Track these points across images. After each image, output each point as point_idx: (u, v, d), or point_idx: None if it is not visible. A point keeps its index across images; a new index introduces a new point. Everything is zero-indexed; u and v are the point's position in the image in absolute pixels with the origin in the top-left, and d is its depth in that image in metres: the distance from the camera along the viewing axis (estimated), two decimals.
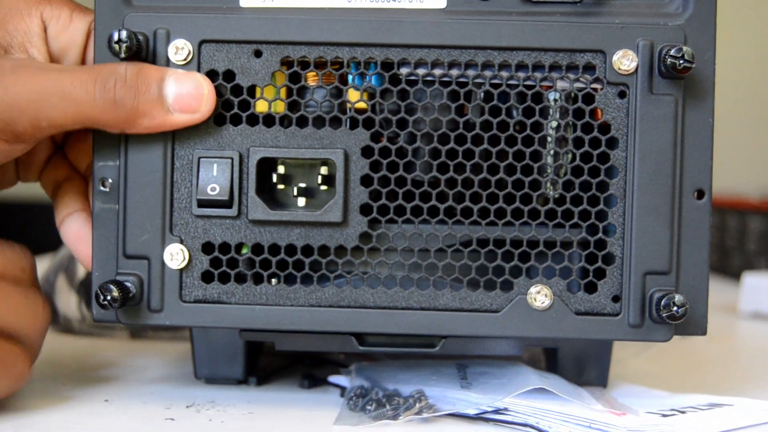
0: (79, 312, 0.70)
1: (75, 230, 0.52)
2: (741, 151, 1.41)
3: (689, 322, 0.48)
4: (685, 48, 0.46)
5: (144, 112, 0.46)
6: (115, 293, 0.46)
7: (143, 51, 0.47)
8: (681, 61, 0.46)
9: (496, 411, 0.49)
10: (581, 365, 0.54)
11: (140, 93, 0.46)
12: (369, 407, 0.49)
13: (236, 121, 0.48)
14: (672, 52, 0.46)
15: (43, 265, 0.76)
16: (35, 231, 0.62)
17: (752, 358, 0.73)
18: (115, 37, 0.46)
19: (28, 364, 0.48)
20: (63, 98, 0.46)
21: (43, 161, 0.54)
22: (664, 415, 0.49)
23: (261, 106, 0.48)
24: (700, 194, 0.48)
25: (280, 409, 0.50)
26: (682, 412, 0.50)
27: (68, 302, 0.71)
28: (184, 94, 0.47)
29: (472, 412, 0.49)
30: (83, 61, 0.52)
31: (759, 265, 1.09)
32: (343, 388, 0.54)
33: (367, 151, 0.48)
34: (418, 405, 0.48)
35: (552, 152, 0.49)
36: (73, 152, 0.54)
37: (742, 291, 0.91)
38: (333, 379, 0.55)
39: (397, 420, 0.47)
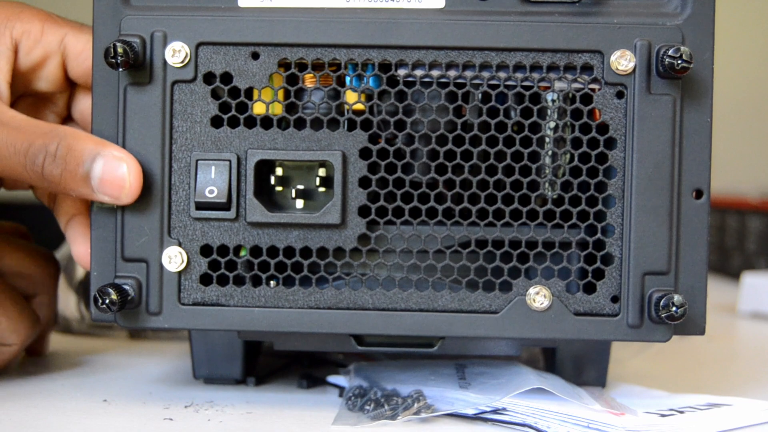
0: (78, 312, 0.70)
1: (71, 233, 0.52)
2: (740, 151, 1.41)
3: (688, 322, 0.48)
4: (683, 48, 0.46)
5: (71, 188, 0.47)
6: (114, 296, 0.46)
7: (140, 57, 0.47)
8: (679, 61, 0.46)
9: (495, 411, 0.49)
10: (580, 365, 0.54)
11: (67, 171, 0.47)
12: (367, 407, 0.49)
13: (234, 123, 0.48)
14: (670, 53, 0.46)
15: None
16: (35, 231, 0.62)
17: (751, 358, 0.73)
18: (111, 51, 0.46)
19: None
20: None
21: None
22: (663, 415, 0.49)
23: (258, 108, 0.48)
24: (699, 194, 0.48)
25: (279, 409, 0.50)
26: (681, 412, 0.49)
27: (67, 302, 0.71)
28: (107, 180, 0.47)
29: (470, 412, 0.49)
30: (63, 73, 0.52)
31: (758, 265, 1.09)
32: (341, 388, 0.54)
33: (365, 153, 0.48)
34: (416, 405, 0.48)
35: (550, 153, 0.48)
36: None
37: (742, 291, 0.90)
38: (331, 379, 0.55)
39: (396, 420, 0.47)
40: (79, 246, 0.52)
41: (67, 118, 0.55)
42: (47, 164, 0.47)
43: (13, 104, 0.54)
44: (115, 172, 0.46)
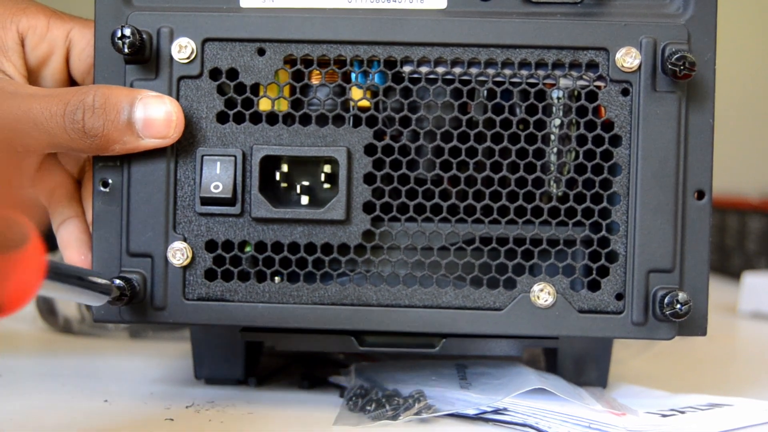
0: (78, 312, 0.70)
1: (65, 237, 0.52)
2: (741, 151, 1.41)
3: (690, 322, 0.48)
4: (686, 55, 0.46)
5: (115, 139, 0.47)
6: (122, 288, 0.46)
7: (146, 49, 0.47)
8: (682, 68, 0.46)
9: (496, 411, 0.49)
10: (581, 365, 0.54)
11: (109, 121, 0.46)
12: (368, 407, 0.49)
13: (239, 119, 0.48)
14: (673, 60, 0.46)
15: None
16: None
17: (752, 358, 0.73)
18: (118, 33, 0.46)
19: None
20: (35, 127, 0.46)
21: (35, 168, 0.54)
22: (664, 416, 0.49)
23: (264, 105, 0.48)
24: (701, 195, 0.48)
25: (280, 409, 0.50)
26: (682, 413, 0.50)
27: (68, 302, 0.70)
28: (153, 119, 0.47)
29: (471, 412, 0.49)
30: (67, 69, 0.52)
31: (759, 265, 1.09)
32: (342, 389, 0.54)
33: (370, 149, 0.48)
34: (417, 405, 0.48)
35: (555, 150, 0.49)
36: (66, 156, 0.53)
37: (742, 291, 0.91)
38: (333, 379, 0.55)
39: (397, 420, 0.47)
40: (72, 251, 0.51)
41: None
42: (87, 118, 0.46)
43: None
44: (159, 109, 0.46)
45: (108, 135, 0.46)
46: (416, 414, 0.48)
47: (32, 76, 0.52)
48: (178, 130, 0.47)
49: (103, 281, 0.45)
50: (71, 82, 0.53)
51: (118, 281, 0.47)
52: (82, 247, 0.51)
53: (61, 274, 0.39)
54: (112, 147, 0.47)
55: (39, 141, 0.47)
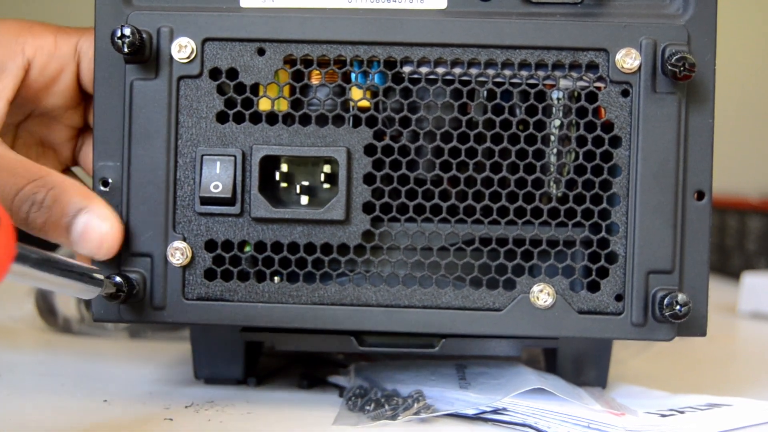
0: (78, 312, 0.70)
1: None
2: (741, 151, 1.41)
3: (689, 322, 0.48)
4: (686, 56, 0.46)
5: (50, 236, 0.47)
6: (119, 284, 0.47)
7: (146, 49, 0.47)
8: (682, 70, 0.46)
9: (495, 411, 0.49)
10: (580, 366, 0.54)
11: (51, 221, 0.47)
12: (368, 407, 0.49)
13: (239, 119, 0.48)
14: (673, 60, 0.46)
15: None
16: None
17: (751, 358, 0.73)
18: (118, 33, 0.46)
19: None
20: None
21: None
22: (663, 416, 0.49)
23: (264, 104, 0.48)
24: (701, 195, 0.48)
25: (279, 409, 0.50)
26: (681, 413, 0.49)
27: (67, 302, 0.70)
28: (88, 236, 0.47)
29: (470, 412, 0.49)
30: (77, 82, 0.52)
31: (758, 265, 1.09)
32: (342, 388, 0.54)
33: (369, 150, 0.48)
34: (416, 405, 0.48)
35: (555, 151, 0.49)
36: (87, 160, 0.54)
37: (742, 291, 0.91)
38: (332, 379, 0.55)
39: (396, 420, 0.47)
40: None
41: (85, 128, 0.55)
42: (33, 212, 0.47)
43: (23, 122, 0.54)
44: (95, 230, 0.47)
45: (45, 230, 0.47)
46: (415, 414, 0.48)
47: (39, 96, 0.52)
48: (109, 253, 0.47)
49: (93, 273, 0.45)
50: (82, 93, 0.53)
51: (117, 278, 0.47)
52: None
53: (34, 260, 0.38)
54: (47, 238, 0.48)
55: None
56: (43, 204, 0.47)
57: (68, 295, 0.66)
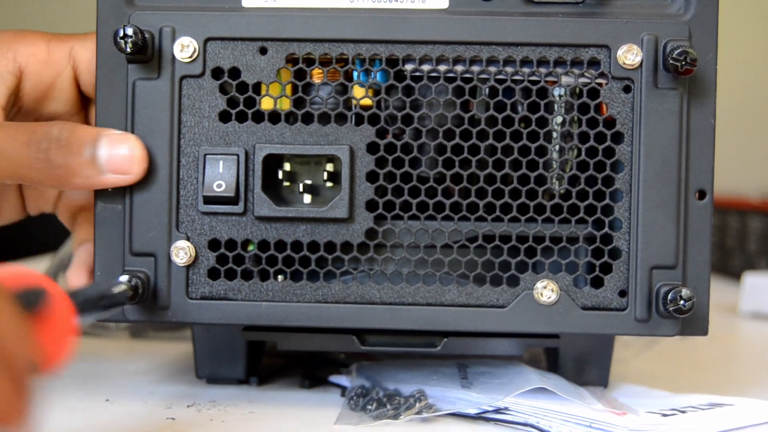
0: None
1: (81, 258, 0.52)
2: (741, 151, 1.41)
3: (691, 322, 0.48)
4: (688, 50, 0.46)
5: (76, 173, 0.47)
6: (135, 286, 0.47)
7: (148, 48, 0.47)
8: (683, 64, 0.46)
9: (497, 410, 0.49)
10: (582, 365, 0.54)
11: (73, 154, 0.46)
12: (370, 407, 0.49)
13: (242, 118, 0.48)
14: (674, 55, 0.46)
15: (43, 265, 0.76)
16: (35, 231, 0.62)
17: (753, 358, 0.73)
18: (121, 32, 0.46)
19: None
20: None
21: (57, 192, 0.54)
22: (665, 415, 0.49)
23: (266, 103, 0.48)
24: (702, 195, 0.48)
25: (281, 408, 0.50)
26: (683, 412, 0.49)
27: None
28: (116, 156, 0.47)
29: (472, 411, 0.49)
30: (76, 87, 0.52)
31: (759, 265, 1.09)
32: (343, 388, 0.54)
33: (372, 148, 0.48)
34: (418, 405, 0.48)
35: (557, 147, 0.49)
36: None
37: (743, 291, 0.91)
38: (334, 378, 0.55)
39: (398, 420, 0.47)
40: (78, 272, 0.52)
41: None
42: (52, 149, 0.46)
43: None
44: (123, 146, 0.46)
45: (71, 167, 0.47)
46: (417, 413, 0.48)
47: (38, 104, 0.52)
48: (142, 166, 0.47)
49: (119, 289, 0.45)
50: (82, 97, 0.53)
51: (134, 280, 0.47)
52: (90, 273, 0.51)
53: (89, 309, 0.39)
54: (73, 180, 0.47)
55: (0, 168, 0.47)
56: (60, 139, 0.46)
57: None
